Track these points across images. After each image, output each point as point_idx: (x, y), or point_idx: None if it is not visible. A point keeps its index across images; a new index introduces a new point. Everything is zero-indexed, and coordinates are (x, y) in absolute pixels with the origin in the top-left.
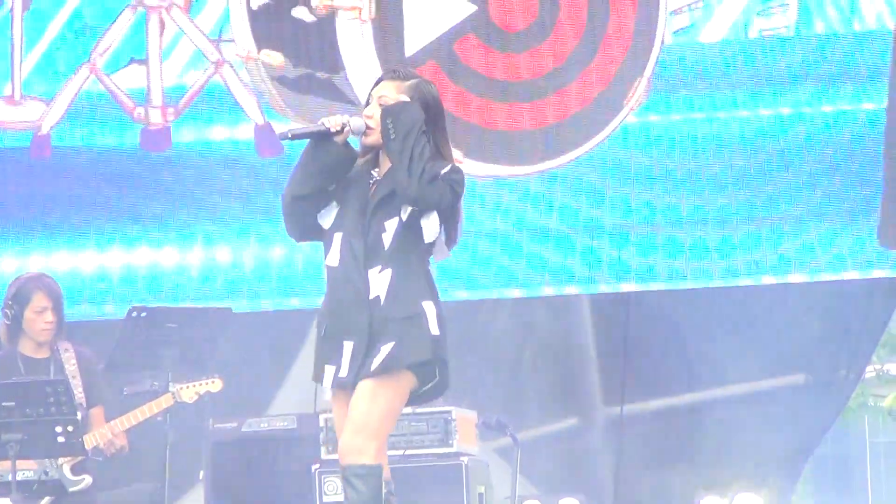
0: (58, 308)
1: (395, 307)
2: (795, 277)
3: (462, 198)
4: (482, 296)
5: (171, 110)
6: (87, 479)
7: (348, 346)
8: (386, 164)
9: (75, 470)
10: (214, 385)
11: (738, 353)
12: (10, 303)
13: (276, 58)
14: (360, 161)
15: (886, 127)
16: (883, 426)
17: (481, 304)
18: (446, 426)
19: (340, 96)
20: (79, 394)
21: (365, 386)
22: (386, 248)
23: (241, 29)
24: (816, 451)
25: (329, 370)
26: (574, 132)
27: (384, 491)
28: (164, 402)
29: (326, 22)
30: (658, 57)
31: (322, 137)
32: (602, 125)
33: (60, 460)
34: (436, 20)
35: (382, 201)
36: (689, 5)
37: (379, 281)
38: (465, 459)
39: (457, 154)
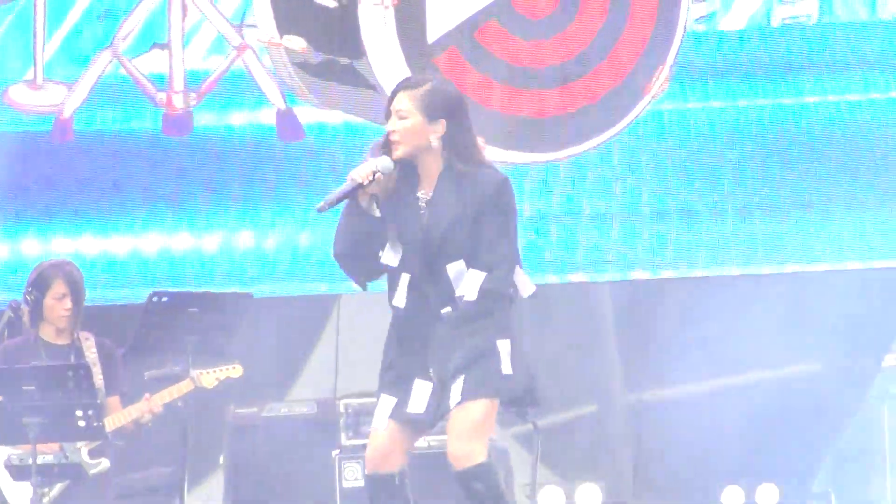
0: (76, 296)
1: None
2: (816, 266)
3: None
4: None
5: (192, 95)
6: (105, 463)
7: (423, 385)
8: (428, 180)
9: (93, 454)
10: (235, 371)
11: (759, 341)
12: (30, 288)
13: (298, 43)
14: (395, 178)
15: None
16: None
17: None
18: None
19: (362, 82)
20: (98, 381)
21: (457, 407)
22: (457, 294)
23: (264, 14)
24: (837, 440)
25: (387, 400)
26: (595, 119)
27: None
28: (185, 387)
29: (349, 8)
30: (680, 44)
31: (356, 191)
32: (624, 113)
33: (78, 444)
34: (458, 6)
35: (445, 238)
36: None
37: None
38: None
39: (478, 141)
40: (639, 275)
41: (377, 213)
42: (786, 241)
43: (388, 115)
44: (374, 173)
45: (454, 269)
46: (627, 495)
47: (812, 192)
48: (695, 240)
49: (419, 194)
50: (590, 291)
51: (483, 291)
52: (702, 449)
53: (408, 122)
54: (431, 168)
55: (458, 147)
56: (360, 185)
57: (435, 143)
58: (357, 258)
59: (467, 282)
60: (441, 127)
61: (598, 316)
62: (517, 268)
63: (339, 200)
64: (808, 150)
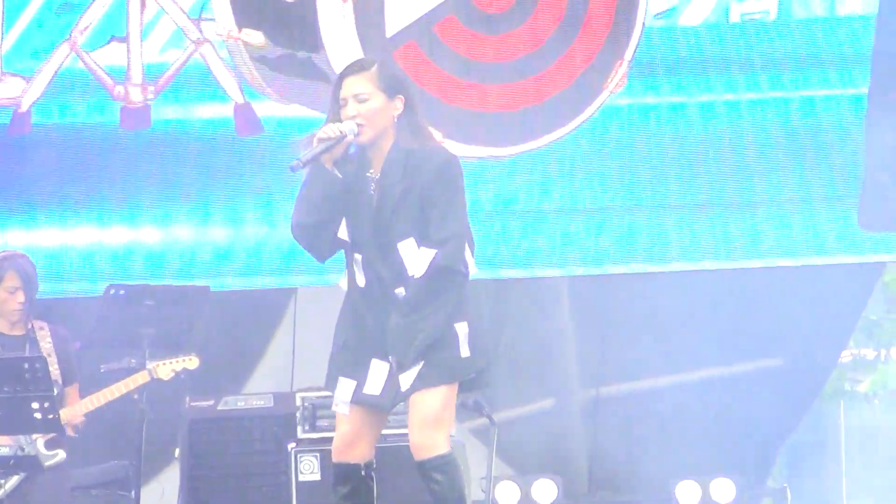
0: (29, 288)
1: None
2: (773, 262)
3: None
4: None
5: (150, 88)
6: (61, 454)
7: (379, 366)
8: (377, 160)
9: (48, 445)
10: (191, 363)
11: (716, 336)
12: None
13: (256, 37)
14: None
15: (867, 112)
16: (858, 411)
17: None
18: None
19: (320, 76)
20: (54, 371)
21: (416, 395)
22: (409, 272)
23: (222, 8)
24: (791, 435)
25: (347, 383)
26: (553, 114)
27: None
28: (140, 378)
29: (307, 2)
30: (638, 40)
31: (328, 150)
32: (581, 108)
33: (34, 436)
34: (417, 1)
35: (394, 216)
36: None
37: None
38: None
39: (436, 135)
40: (596, 270)
41: (340, 175)
42: (744, 237)
43: (338, 105)
44: (342, 132)
45: (405, 247)
46: (583, 490)
47: (769, 189)
48: (654, 235)
49: (368, 174)
50: (547, 286)
51: (433, 268)
52: (657, 444)
53: (371, 103)
54: (383, 147)
55: (412, 123)
56: (332, 144)
57: (394, 120)
58: (318, 227)
59: (418, 259)
60: (400, 103)
61: (555, 311)
62: (466, 245)
63: (314, 158)
64: (767, 146)
